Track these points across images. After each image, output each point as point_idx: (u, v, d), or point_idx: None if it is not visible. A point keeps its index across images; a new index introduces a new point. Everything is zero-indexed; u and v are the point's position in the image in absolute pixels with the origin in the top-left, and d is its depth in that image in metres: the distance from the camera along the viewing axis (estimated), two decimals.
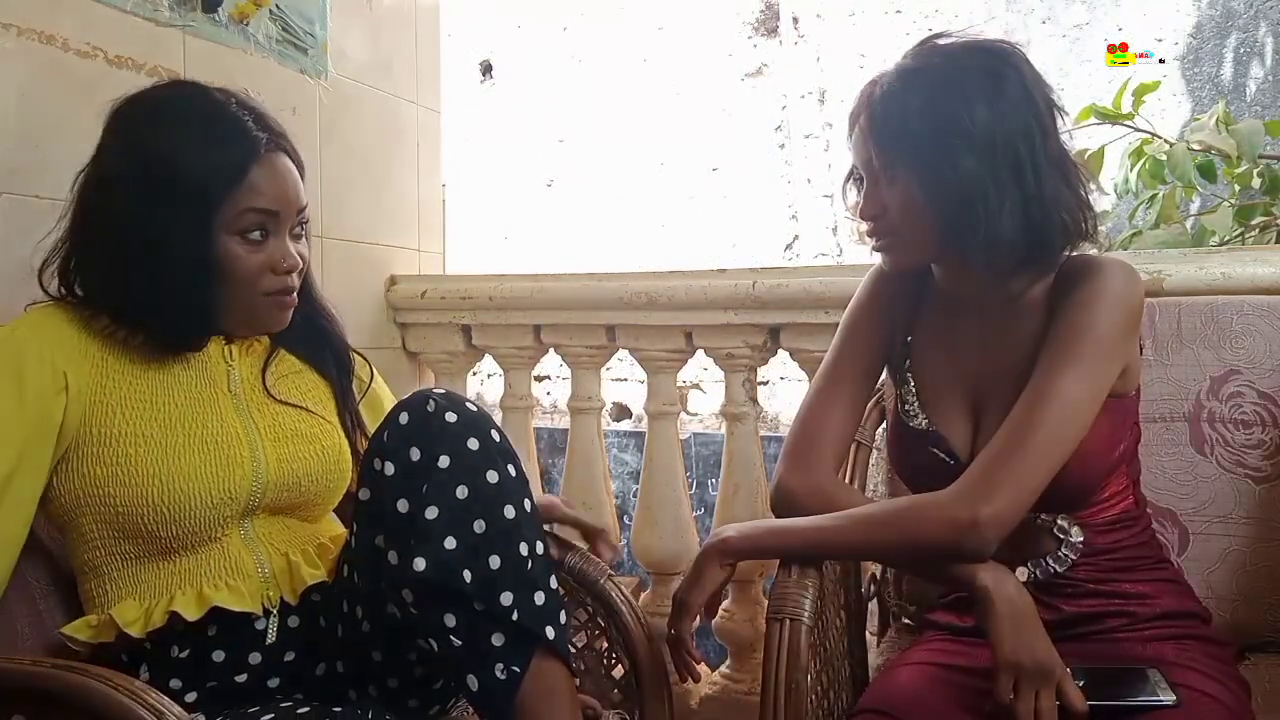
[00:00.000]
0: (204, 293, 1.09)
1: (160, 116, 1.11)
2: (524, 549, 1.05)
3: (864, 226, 1.18)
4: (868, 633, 1.43)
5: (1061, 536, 1.14)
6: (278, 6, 1.82)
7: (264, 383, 1.18)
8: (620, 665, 1.32)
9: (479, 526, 1.03)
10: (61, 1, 1.44)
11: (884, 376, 1.29)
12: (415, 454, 1.04)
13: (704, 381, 3.96)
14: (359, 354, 1.34)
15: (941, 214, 1.08)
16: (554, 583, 1.08)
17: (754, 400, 1.96)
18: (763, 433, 1.96)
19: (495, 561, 1.03)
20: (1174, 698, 0.99)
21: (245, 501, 1.11)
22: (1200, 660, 1.07)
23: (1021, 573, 1.13)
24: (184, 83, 1.18)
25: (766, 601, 1.23)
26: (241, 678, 1.09)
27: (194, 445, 1.09)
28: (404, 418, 1.06)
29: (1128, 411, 1.16)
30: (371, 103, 2.08)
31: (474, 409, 1.08)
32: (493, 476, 1.05)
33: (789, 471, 1.21)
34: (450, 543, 1.01)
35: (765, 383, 3.80)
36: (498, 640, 1.02)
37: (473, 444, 1.05)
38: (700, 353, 1.97)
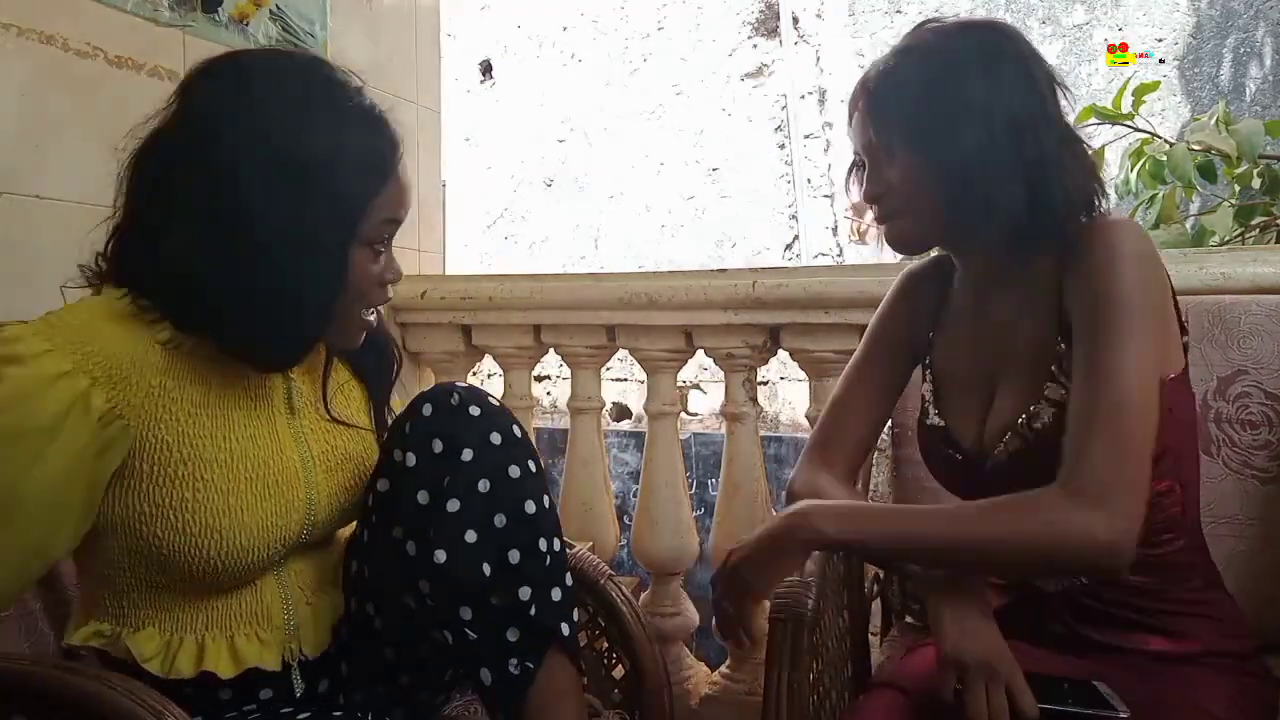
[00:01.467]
0: (333, 299, 0.98)
1: (304, 99, 0.95)
2: (543, 544, 1.04)
3: (870, 211, 1.16)
4: (870, 633, 1.43)
5: None
6: (278, 6, 1.82)
7: (325, 401, 1.10)
8: (620, 665, 1.32)
9: (500, 520, 1.02)
10: (61, 1, 1.44)
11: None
12: (438, 446, 1.02)
13: (704, 381, 3.95)
14: (399, 349, 1.24)
15: (943, 185, 1.07)
16: (569, 580, 1.08)
17: (754, 400, 1.95)
18: (763, 433, 1.96)
19: (515, 555, 1.02)
20: (1127, 712, 0.95)
21: (294, 543, 1.05)
22: (1221, 688, 1.02)
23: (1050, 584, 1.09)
24: (314, 60, 1.02)
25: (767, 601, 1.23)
26: (250, 706, 1.05)
27: (255, 491, 1.00)
28: (427, 409, 1.04)
29: (1164, 396, 1.02)
30: None
31: (496, 403, 1.07)
32: (514, 471, 1.04)
33: (798, 470, 1.22)
34: (471, 535, 1.00)
35: (765, 383, 3.80)
36: (513, 636, 1.01)
37: (495, 438, 1.04)
38: (700, 353, 1.97)
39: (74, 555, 1.01)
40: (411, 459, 1.03)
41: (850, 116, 1.14)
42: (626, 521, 2.27)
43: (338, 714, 1.04)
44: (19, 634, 1.11)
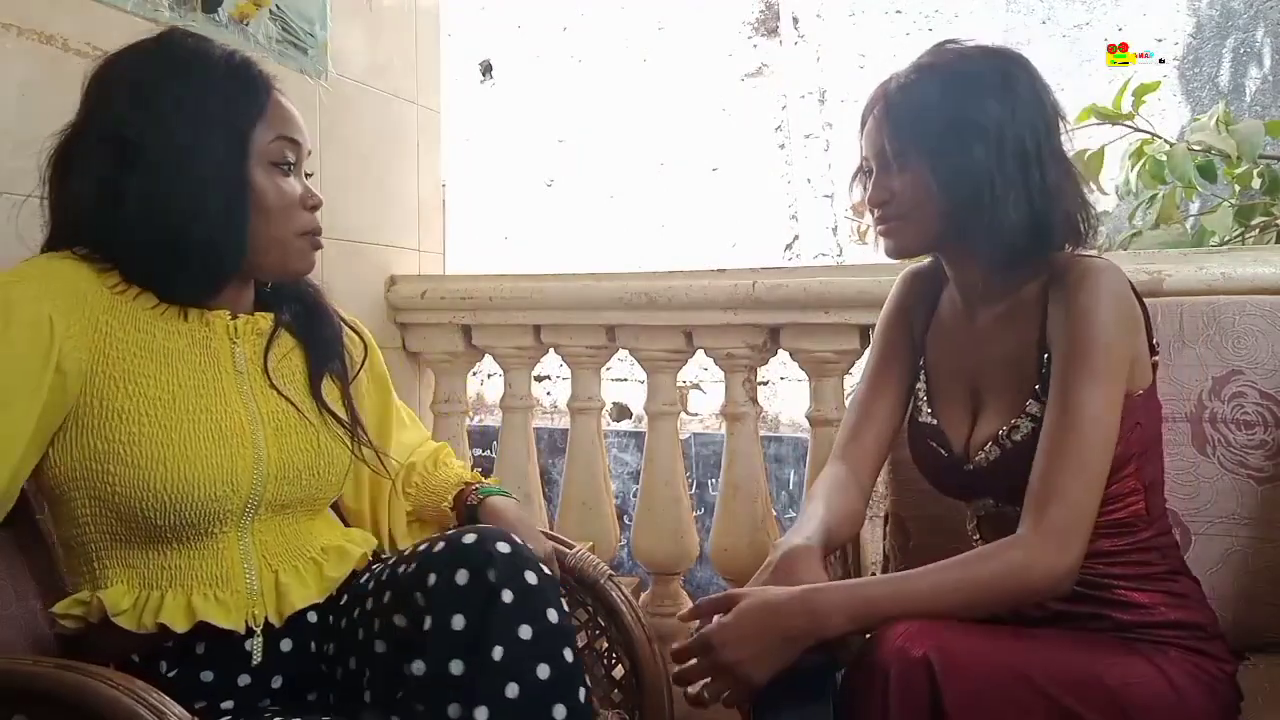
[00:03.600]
0: (244, 219, 1.07)
1: (178, 59, 1.09)
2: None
3: (871, 214, 1.21)
4: (867, 634, 1.43)
5: None
6: (278, 7, 1.82)
7: (265, 367, 1.14)
8: (620, 665, 1.32)
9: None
10: (61, 1, 1.45)
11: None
12: (459, 622, 1.00)
13: (704, 381, 3.96)
14: (355, 330, 1.29)
15: (949, 199, 1.13)
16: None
17: (754, 400, 1.96)
18: (763, 433, 1.96)
19: None
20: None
21: (246, 495, 1.07)
22: (1185, 662, 1.08)
23: None
24: (178, 32, 1.14)
25: None
26: (228, 704, 1.07)
27: (200, 431, 1.05)
28: (461, 577, 1.02)
29: (1128, 411, 1.14)
30: (371, 103, 2.08)
31: (534, 581, 1.03)
32: (544, 671, 1.00)
33: (825, 470, 1.28)
34: None
35: (765, 383, 3.80)
36: None
37: (525, 633, 1.00)
38: (700, 353, 1.97)
39: (54, 530, 1.09)
40: (430, 624, 1.01)
41: (864, 122, 1.20)
42: (626, 521, 2.27)
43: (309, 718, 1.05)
44: (20, 633, 1.12)
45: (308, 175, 1.16)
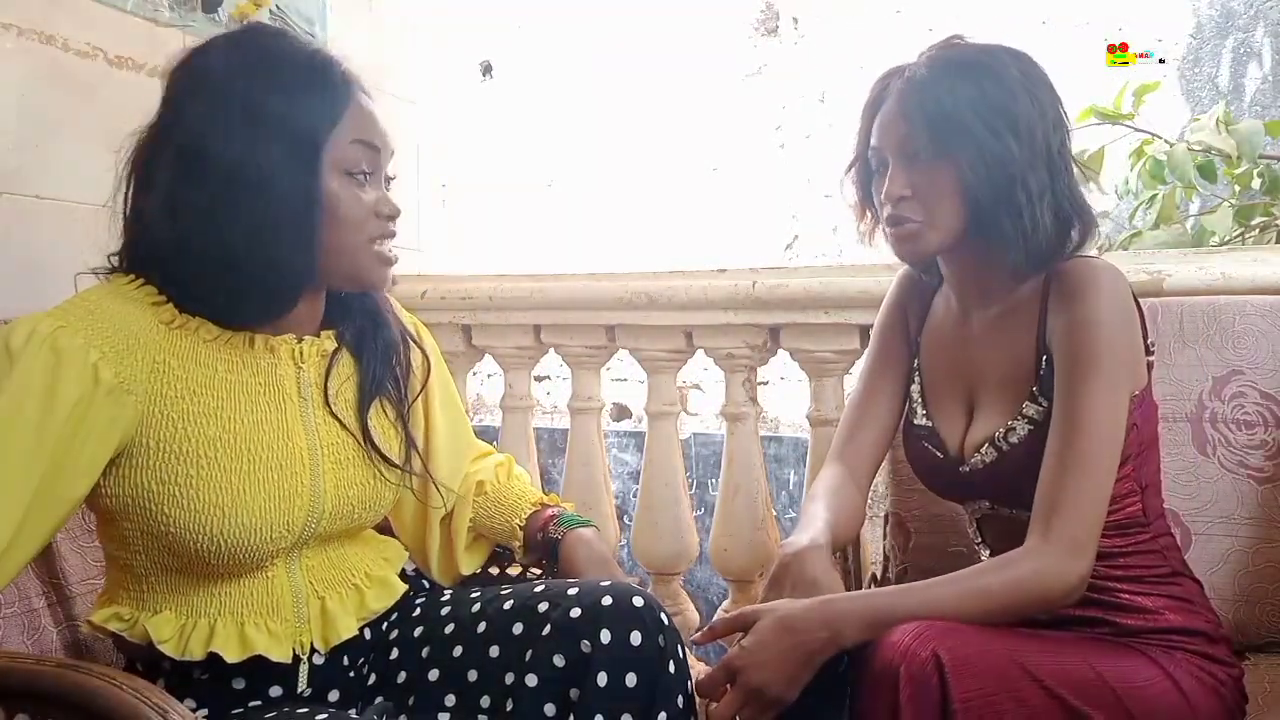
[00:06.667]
0: (312, 232, 1.01)
1: (251, 58, 1.03)
2: None
3: (880, 213, 1.17)
4: None
5: None
6: (278, 6, 1.82)
7: (326, 396, 1.11)
8: None
9: None
10: (61, 1, 1.45)
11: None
12: (632, 680, 1.05)
13: (704, 381, 3.95)
14: (418, 343, 1.24)
15: (983, 196, 1.09)
16: None
17: (754, 400, 1.96)
18: (763, 433, 1.96)
19: None
20: None
21: (300, 532, 1.06)
22: (1191, 666, 1.08)
23: None
24: (261, 28, 1.10)
25: None
26: (255, 703, 1.06)
27: (259, 472, 1.02)
28: (635, 638, 1.06)
29: (1131, 410, 1.14)
30: None
31: (682, 656, 1.08)
32: None
33: (823, 472, 1.28)
34: None
35: (765, 383, 3.79)
36: None
37: (680, 702, 1.06)
38: (700, 353, 1.97)
39: (100, 541, 1.07)
40: (604, 678, 1.04)
41: (871, 115, 1.16)
42: (626, 521, 2.27)
43: (353, 713, 1.05)
44: (22, 632, 1.12)
45: (391, 179, 1.11)
